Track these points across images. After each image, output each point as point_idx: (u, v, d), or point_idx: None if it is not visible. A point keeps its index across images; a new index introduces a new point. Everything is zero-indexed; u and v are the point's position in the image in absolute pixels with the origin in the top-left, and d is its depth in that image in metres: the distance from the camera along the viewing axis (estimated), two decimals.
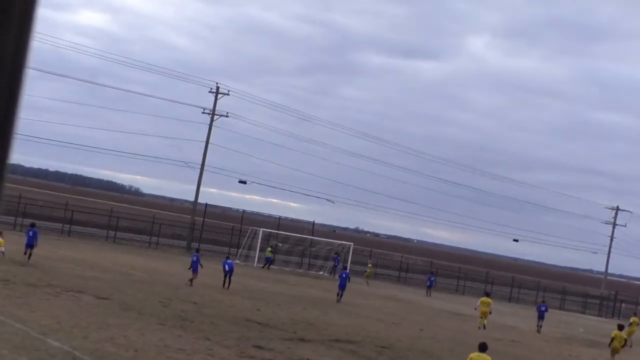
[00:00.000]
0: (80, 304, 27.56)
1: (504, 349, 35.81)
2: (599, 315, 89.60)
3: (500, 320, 52.24)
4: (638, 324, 52.00)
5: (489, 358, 20.56)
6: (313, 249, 77.35)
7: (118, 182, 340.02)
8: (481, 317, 45.37)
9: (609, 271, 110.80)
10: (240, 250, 67.51)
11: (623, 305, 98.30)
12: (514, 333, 44.60)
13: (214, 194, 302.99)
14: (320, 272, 71.22)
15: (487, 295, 48.25)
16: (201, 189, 74.52)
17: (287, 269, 69.03)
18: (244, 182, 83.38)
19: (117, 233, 69.73)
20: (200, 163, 73.48)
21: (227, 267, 42.26)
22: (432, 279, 71.97)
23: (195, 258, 42.08)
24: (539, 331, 49.77)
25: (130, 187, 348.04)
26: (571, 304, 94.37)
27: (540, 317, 51.07)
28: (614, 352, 37.32)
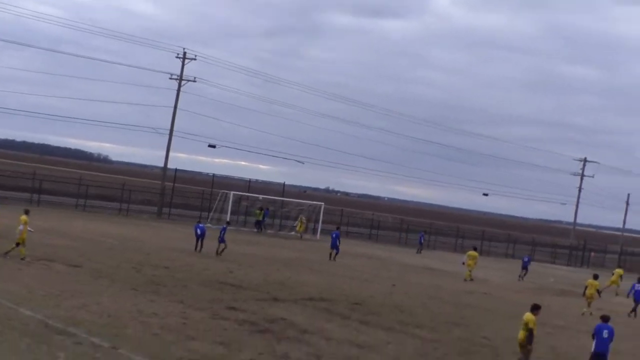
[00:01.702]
0: (51, 272, 27.51)
1: (476, 301, 36.24)
2: (568, 265, 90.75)
3: (472, 274, 52.77)
4: (621, 276, 52.28)
5: (532, 317, 19.92)
6: (284, 209, 77.46)
7: (86, 150, 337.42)
8: (470, 271, 47.18)
9: (578, 221, 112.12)
10: (211, 214, 67.45)
11: (592, 254, 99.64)
12: (485, 286, 45.10)
13: (183, 159, 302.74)
14: (292, 233, 71.38)
15: (475, 249, 49.77)
16: (170, 154, 74.35)
17: (256, 230, 69.04)
18: (214, 146, 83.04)
19: (87, 201, 69.28)
20: (169, 129, 73.22)
21: (199, 231, 42.26)
22: (422, 234, 74.78)
23: (222, 230, 42.32)
24: (521, 279, 53.46)
25: (99, 154, 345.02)
26: (541, 254, 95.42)
27: (524, 267, 54.85)
28: (588, 300, 37.79)
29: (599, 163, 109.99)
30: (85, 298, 22.80)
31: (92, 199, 71.40)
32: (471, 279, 46.36)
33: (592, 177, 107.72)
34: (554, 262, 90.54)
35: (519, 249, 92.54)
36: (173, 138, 73.51)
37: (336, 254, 48.52)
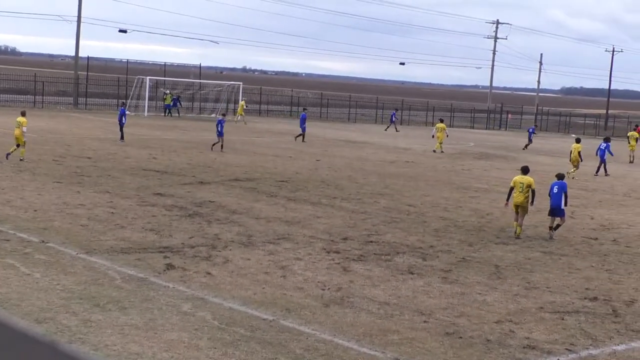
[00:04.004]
0: None
1: (400, 169, 36.80)
2: (487, 129, 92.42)
3: (392, 144, 53.44)
4: (637, 139, 52.77)
5: (531, 180, 21.87)
6: (202, 92, 76.73)
7: None
8: (439, 143, 49.16)
9: (494, 85, 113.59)
10: (128, 101, 66.39)
11: (509, 116, 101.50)
12: (407, 154, 45.76)
13: (94, 47, 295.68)
14: (212, 115, 70.93)
15: (441, 121, 51.74)
16: (81, 42, 72.35)
17: (176, 115, 68.38)
18: (125, 31, 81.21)
19: None
20: (77, 15, 70.98)
21: (124, 119, 41.10)
22: (394, 113, 74.68)
23: (220, 123, 40.26)
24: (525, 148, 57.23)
25: (6, 47, 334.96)
26: (460, 120, 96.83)
27: (529, 139, 58.74)
28: (573, 163, 39.13)
29: (511, 24, 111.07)
30: (8, 194, 22.46)
31: (4, 93, 69.45)
32: (441, 151, 48.31)
33: (505, 39, 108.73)
34: (472, 127, 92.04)
35: (437, 116, 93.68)
36: (82, 25, 71.44)
37: (303, 135, 49.38)
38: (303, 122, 49.84)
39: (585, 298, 15.43)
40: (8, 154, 29.87)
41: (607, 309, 14.74)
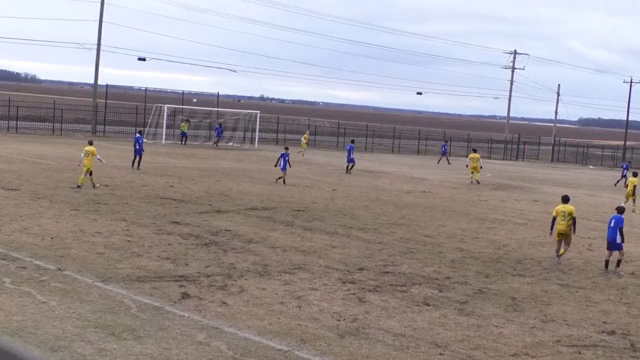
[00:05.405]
0: None
1: (416, 200, 36.73)
2: (504, 159, 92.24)
3: (410, 173, 53.40)
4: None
5: (573, 208, 22.70)
6: (220, 120, 77.04)
7: (12, 70, 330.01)
8: (472, 173, 49.67)
9: (512, 115, 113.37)
10: (147, 129, 66.72)
11: (526, 146, 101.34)
12: (424, 184, 45.69)
13: (113, 74, 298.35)
14: (230, 144, 71.19)
15: (475, 151, 52.32)
16: (100, 70, 72.82)
17: (195, 143, 68.73)
18: (144, 59, 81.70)
19: (18, 123, 67.95)
20: (96, 43, 71.58)
21: (137, 145, 41.21)
22: (445, 145, 74.18)
23: (283, 156, 39.36)
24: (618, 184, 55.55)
25: (26, 74, 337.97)
26: (477, 150, 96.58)
27: (623, 175, 56.37)
28: (632, 197, 39.38)
29: (528, 55, 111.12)
30: (26, 221, 22.56)
31: (23, 120, 69.95)
32: (477, 182, 48.89)
33: (523, 69, 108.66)
34: (490, 157, 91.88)
35: (455, 147, 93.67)
36: (101, 53, 72.00)
37: (352, 166, 49.54)
38: (350, 153, 49.93)
39: (602, 332, 15.30)
40: (79, 186, 31.07)
41: (625, 343, 14.61)
